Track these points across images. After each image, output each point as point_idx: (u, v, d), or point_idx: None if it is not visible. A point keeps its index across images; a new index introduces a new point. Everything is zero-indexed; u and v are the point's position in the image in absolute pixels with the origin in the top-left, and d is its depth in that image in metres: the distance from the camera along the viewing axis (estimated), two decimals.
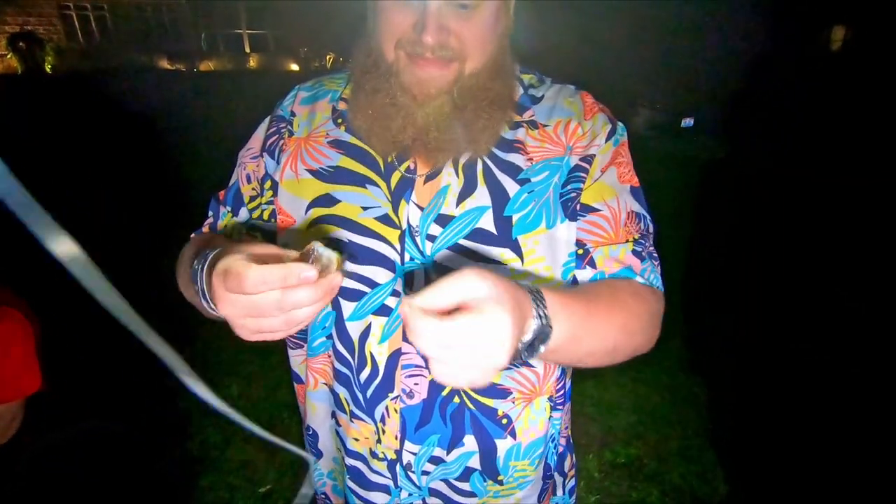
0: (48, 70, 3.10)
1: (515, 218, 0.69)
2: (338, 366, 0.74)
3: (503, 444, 0.74)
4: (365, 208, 0.70)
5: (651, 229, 0.74)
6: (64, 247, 0.42)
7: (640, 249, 0.71)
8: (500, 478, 0.75)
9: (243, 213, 0.78)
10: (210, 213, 0.81)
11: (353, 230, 0.70)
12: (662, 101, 8.39)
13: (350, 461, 0.78)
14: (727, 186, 5.03)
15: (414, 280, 0.69)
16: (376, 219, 0.70)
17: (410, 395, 0.72)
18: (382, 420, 0.73)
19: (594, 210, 0.70)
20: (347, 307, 0.72)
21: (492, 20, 0.65)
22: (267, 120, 0.79)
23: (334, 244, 0.66)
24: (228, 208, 0.79)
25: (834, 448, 2.11)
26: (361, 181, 0.71)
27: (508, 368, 0.71)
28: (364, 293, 0.70)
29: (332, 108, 0.76)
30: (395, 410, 0.72)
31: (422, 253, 0.69)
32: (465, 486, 0.76)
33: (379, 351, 0.71)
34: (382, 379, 0.72)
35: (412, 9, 0.62)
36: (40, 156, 2.64)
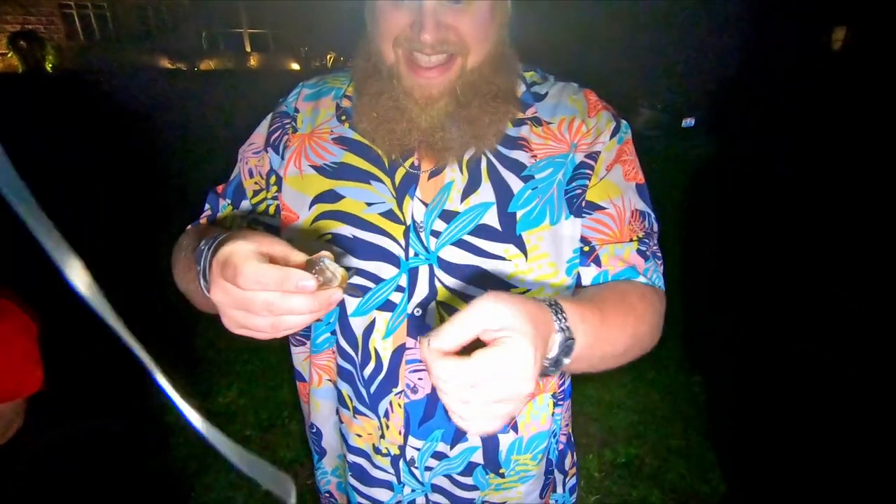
0: (49, 69, 3.10)
1: (519, 214, 0.69)
2: (341, 362, 0.75)
3: (506, 439, 0.75)
4: (369, 204, 0.70)
5: (655, 227, 0.75)
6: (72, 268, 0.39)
7: (644, 249, 0.71)
8: (501, 471, 0.76)
9: (245, 207, 0.78)
10: (208, 207, 0.81)
11: (357, 226, 0.70)
12: (663, 101, 8.38)
13: (352, 458, 0.78)
14: (728, 186, 5.03)
15: (418, 276, 0.70)
16: (381, 214, 0.70)
17: (414, 389, 0.72)
18: (386, 415, 0.73)
19: (600, 208, 0.71)
20: (351, 303, 0.72)
21: (489, 12, 0.65)
22: (269, 116, 0.79)
23: (342, 261, 0.66)
24: (228, 201, 0.79)
25: (834, 447, 2.11)
26: (365, 177, 0.71)
27: None
28: (368, 289, 0.71)
29: (335, 105, 0.76)
30: (399, 406, 0.72)
31: (426, 248, 0.69)
32: (467, 480, 0.76)
33: (383, 346, 0.71)
34: (386, 374, 0.72)
35: (408, 8, 0.63)
36: (41, 154, 2.64)
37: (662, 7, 9.16)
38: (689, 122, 8.31)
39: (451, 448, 0.74)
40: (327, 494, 0.89)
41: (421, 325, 0.71)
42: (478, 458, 0.75)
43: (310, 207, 0.72)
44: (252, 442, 2.23)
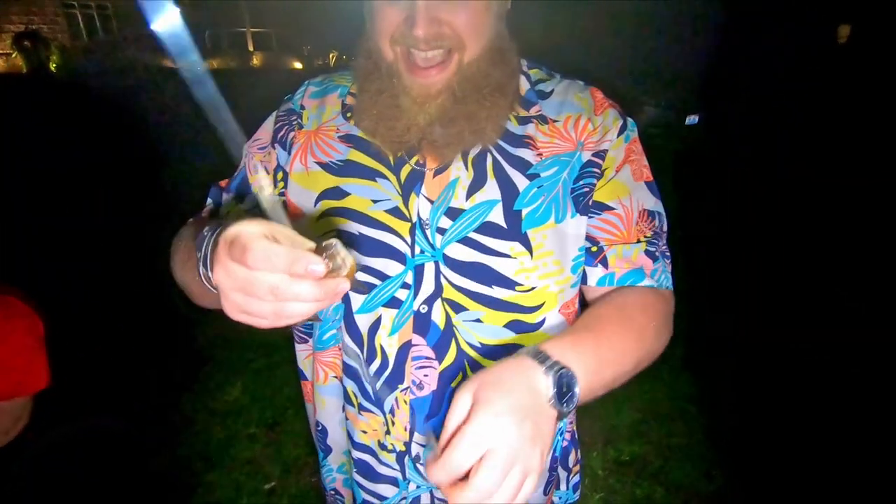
0: (53, 69, 3.11)
1: (525, 212, 0.69)
2: (345, 358, 0.75)
3: None
4: (375, 201, 0.71)
5: (665, 227, 0.74)
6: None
7: (653, 249, 0.72)
8: None
9: (250, 201, 0.78)
10: (210, 201, 0.81)
11: (363, 223, 0.70)
12: (667, 98, 8.34)
13: (357, 454, 0.78)
14: (731, 184, 5.01)
15: (424, 273, 0.70)
16: (386, 211, 0.70)
17: (420, 386, 0.72)
18: (392, 412, 0.73)
19: (608, 208, 0.71)
20: (357, 299, 0.72)
21: (484, 5, 0.65)
22: (275, 112, 0.79)
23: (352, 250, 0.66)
24: (232, 195, 0.79)
25: (836, 446, 2.10)
26: (371, 174, 0.72)
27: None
28: (374, 285, 0.71)
29: (341, 102, 0.76)
30: (405, 402, 0.73)
31: (432, 245, 0.69)
32: None
33: (389, 343, 0.72)
34: (392, 371, 0.72)
35: (402, 5, 0.63)
36: (46, 154, 2.65)
37: (666, 3, 9.12)
38: (692, 119, 8.28)
39: None
40: (332, 492, 0.89)
41: (427, 322, 0.71)
42: None
43: (315, 204, 0.73)
44: (257, 439, 2.24)
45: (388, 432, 0.75)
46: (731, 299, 3.19)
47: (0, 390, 1.17)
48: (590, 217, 0.71)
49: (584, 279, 0.73)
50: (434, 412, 0.73)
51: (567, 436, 0.84)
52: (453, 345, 0.71)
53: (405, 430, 0.74)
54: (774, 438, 2.19)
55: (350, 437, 0.79)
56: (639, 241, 0.71)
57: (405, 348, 0.71)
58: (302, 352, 0.84)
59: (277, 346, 2.69)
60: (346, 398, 0.77)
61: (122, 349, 2.30)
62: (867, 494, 1.91)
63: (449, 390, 0.72)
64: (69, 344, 1.28)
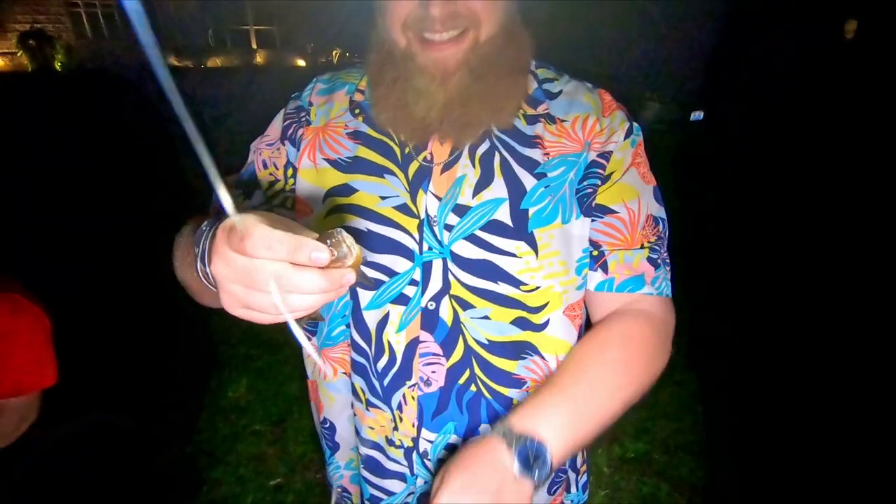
0: (58, 67, 3.12)
1: (532, 211, 0.69)
2: (353, 355, 0.75)
3: None
4: (383, 198, 0.71)
5: (667, 233, 0.74)
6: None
7: (655, 256, 0.71)
8: None
9: (258, 197, 0.78)
10: (214, 198, 0.81)
11: (371, 219, 0.70)
12: (671, 94, 8.30)
13: (364, 450, 0.78)
14: (735, 182, 4.98)
15: (432, 269, 0.70)
16: (395, 208, 0.70)
17: (428, 382, 0.72)
18: (399, 408, 0.74)
19: (611, 212, 0.71)
20: (365, 296, 0.72)
21: None
22: (283, 110, 0.80)
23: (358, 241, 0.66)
24: (240, 191, 0.79)
25: (844, 445, 2.09)
26: (379, 171, 0.71)
27: (523, 358, 0.72)
28: (382, 282, 0.71)
29: (349, 99, 0.76)
30: (413, 398, 0.73)
31: (440, 242, 0.69)
32: None
33: (396, 340, 0.72)
34: (400, 367, 0.72)
35: None
36: (51, 152, 2.66)
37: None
38: (697, 115, 8.22)
39: (464, 441, 0.74)
40: (339, 489, 0.89)
41: (434, 319, 0.71)
42: None
43: (323, 200, 0.73)
44: (262, 437, 2.25)
45: (395, 428, 0.75)
46: (734, 298, 3.17)
47: (8, 387, 1.18)
48: (593, 220, 0.71)
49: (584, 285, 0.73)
50: (442, 408, 0.73)
51: None
52: (461, 341, 0.71)
53: (413, 426, 0.74)
54: (780, 436, 2.18)
55: (358, 432, 0.79)
56: (642, 247, 0.71)
57: (413, 345, 0.71)
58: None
59: (282, 343, 2.69)
60: (354, 394, 0.77)
61: (127, 347, 2.30)
62: (871, 491, 1.90)
63: (456, 387, 0.72)
64: (74, 342, 1.29)
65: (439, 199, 0.70)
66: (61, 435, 1.33)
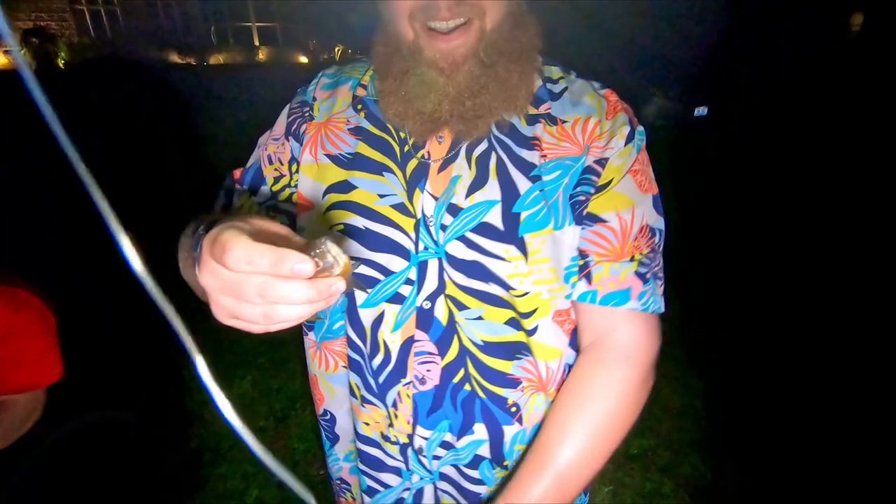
0: (60, 65, 3.13)
1: (524, 215, 0.68)
2: (349, 352, 0.75)
3: (510, 430, 0.75)
4: (381, 196, 0.70)
5: (661, 246, 0.72)
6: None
7: (644, 271, 0.68)
8: (506, 463, 0.76)
9: (264, 193, 0.77)
10: (222, 193, 0.80)
11: (369, 217, 0.70)
12: (675, 89, 8.25)
13: (361, 445, 0.79)
14: (739, 178, 4.96)
15: (427, 269, 0.69)
16: (392, 206, 0.70)
17: (423, 381, 0.72)
18: (394, 405, 0.74)
19: (602, 220, 0.68)
20: (360, 294, 0.72)
21: None
22: (288, 105, 0.79)
23: (346, 249, 0.65)
24: (246, 187, 0.78)
25: (848, 440, 2.08)
26: (378, 168, 0.71)
27: (518, 358, 0.72)
28: (378, 280, 0.70)
29: (352, 95, 0.76)
30: (408, 396, 0.73)
31: (435, 242, 0.69)
32: (474, 473, 0.76)
33: (392, 338, 0.72)
34: (395, 365, 0.72)
35: None
36: (53, 151, 2.67)
37: None
38: (701, 111, 8.18)
39: (458, 439, 0.75)
40: (339, 481, 0.89)
41: (430, 318, 0.70)
42: (484, 451, 0.75)
43: (323, 197, 0.73)
44: (266, 432, 2.26)
45: (390, 425, 0.75)
46: (743, 293, 3.16)
47: (13, 383, 1.18)
48: (582, 228, 0.69)
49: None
50: (436, 406, 0.73)
51: None
52: (455, 341, 0.71)
53: (408, 423, 0.74)
54: (783, 432, 2.18)
55: (354, 427, 0.79)
56: (632, 259, 0.68)
57: (408, 343, 0.71)
58: (308, 342, 0.84)
59: (286, 340, 2.70)
60: (350, 390, 0.78)
61: (132, 344, 2.31)
62: (875, 487, 1.89)
63: (451, 386, 0.73)
64: (78, 338, 1.29)
65: (436, 198, 0.69)
66: (67, 431, 1.33)
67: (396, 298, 0.71)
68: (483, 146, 0.69)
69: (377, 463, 0.79)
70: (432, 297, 0.70)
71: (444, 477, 0.77)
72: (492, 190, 0.68)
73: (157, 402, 2.16)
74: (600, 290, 0.68)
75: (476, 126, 0.67)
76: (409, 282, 0.70)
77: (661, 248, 0.72)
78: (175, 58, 13.79)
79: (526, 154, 0.69)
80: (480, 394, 0.73)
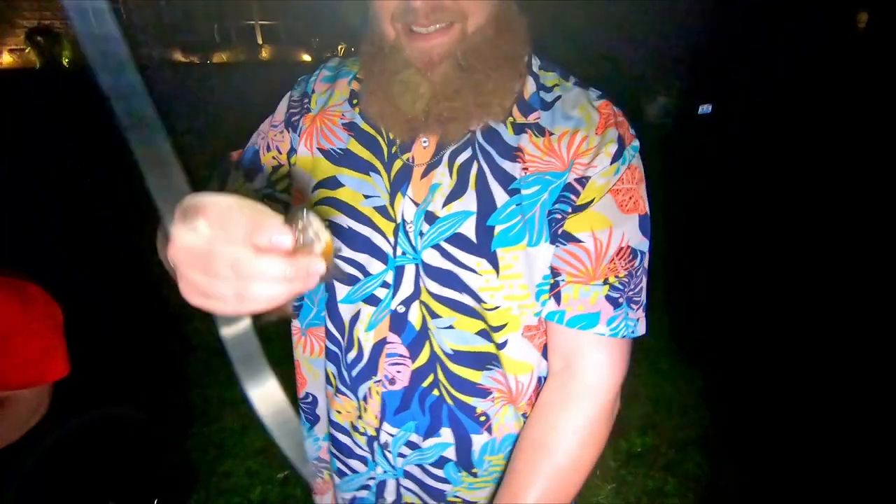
0: (65, 64, 3.13)
1: (498, 229, 0.66)
2: (327, 342, 0.76)
3: (479, 439, 0.75)
4: (366, 196, 0.70)
5: (643, 268, 0.69)
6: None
7: (616, 295, 0.66)
8: (474, 470, 0.77)
9: (260, 180, 0.76)
10: (215, 174, 0.79)
11: (353, 217, 0.70)
12: (678, 87, 8.21)
13: (333, 431, 0.81)
14: (742, 176, 4.93)
15: (404, 274, 0.70)
16: (375, 209, 0.70)
17: (392, 381, 0.73)
18: (365, 399, 0.75)
19: (576, 240, 0.66)
20: (341, 289, 0.73)
21: None
22: (289, 94, 0.79)
23: (331, 229, 0.63)
24: (241, 171, 0.77)
25: (851, 439, 2.07)
26: (365, 168, 0.71)
27: (488, 369, 0.72)
28: (357, 279, 0.71)
29: (350, 89, 0.76)
30: (377, 393, 0.74)
31: (413, 248, 0.69)
32: (439, 472, 0.77)
33: (366, 337, 0.72)
34: (367, 363, 0.73)
35: None
36: (59, 149, 2.68)
37: None
38: (705, 108, 8.14)
39: (424, 440, 0.75)
40: (316, 461, 0.90)
41: (403, 322, 0.71)
42: (450, 454, 0.76)
43: (313, 192, 0.73)
44: (264, 428, 2.26)
45: (360, 417, 0.76)
46: (744, 291, 3.15)
47: (19, 378, 1.19)
48: (556, 246, 0.67)
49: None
50: (404, 406, 0.74)
51: None
52: (427, 346, 0.71)
53: (376, 417, 0.75)
54: (785, 430, 2.17)
55: (328, 414, 0.81)
56: (605, 282, 0.66)
57: (380, 344, 0.72)
58: (293, 330, 0.84)
59: (284, 337, 2.70)
60: (327, 378, 0.79)
61: (136, 341, 2.32)
62: (878, 484, 1.89)
63: (420, 389, 0.73)
64: (78, 337, 1.30)
65: (416, 204, 0.68)
66: (72, 427, 1.34)
67: (372, 300, 0.71)
68: (466, 154, 0.68)
69: (347, 449, 0.80)
70: (407, 302, 0.70)
71: (408, 475, 0.78)
72: (469, 201, 0.67)
73: (162, 400, 2.17)
74: (568, 311, 0.66)
75: (449, 129, 0.67)
76: (385, 284, 0.70)
77: (642, 272, 0.69)
78: (179, 56, 13.82)
79: (507, 165, 0.67)
80: (448, 400, 0.73)
